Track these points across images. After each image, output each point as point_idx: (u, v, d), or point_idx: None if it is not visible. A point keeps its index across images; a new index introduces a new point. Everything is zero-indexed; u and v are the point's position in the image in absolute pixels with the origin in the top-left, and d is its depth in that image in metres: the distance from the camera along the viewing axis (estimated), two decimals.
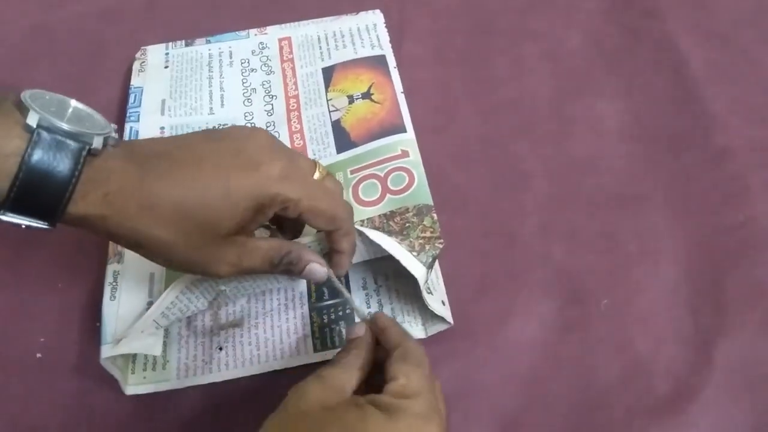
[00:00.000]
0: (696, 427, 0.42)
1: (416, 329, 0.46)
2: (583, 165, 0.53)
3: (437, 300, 0.45)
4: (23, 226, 0.32)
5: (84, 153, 0.31)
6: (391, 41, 0.59)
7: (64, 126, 0.31)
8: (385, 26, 0.60)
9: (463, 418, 0.44)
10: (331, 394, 0.34)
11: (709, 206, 0.50)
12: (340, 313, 0.47)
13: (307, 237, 0.42)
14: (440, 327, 0.45)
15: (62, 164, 0.30)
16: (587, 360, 0.45)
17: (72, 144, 0.31)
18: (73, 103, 0.33)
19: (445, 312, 0.44)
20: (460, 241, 0.49)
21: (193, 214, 0.34)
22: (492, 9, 0.62)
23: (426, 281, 0.43)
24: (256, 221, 0.37)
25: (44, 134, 0.30)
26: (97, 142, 0.32)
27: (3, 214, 0.31)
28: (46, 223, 0.32)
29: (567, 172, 0.53)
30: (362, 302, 0.47)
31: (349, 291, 0.47)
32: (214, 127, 0.54)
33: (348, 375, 0.36)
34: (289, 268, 0.38)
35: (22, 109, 0.31)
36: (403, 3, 0.63)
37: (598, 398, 0.44)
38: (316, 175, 0.40)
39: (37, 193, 0.30)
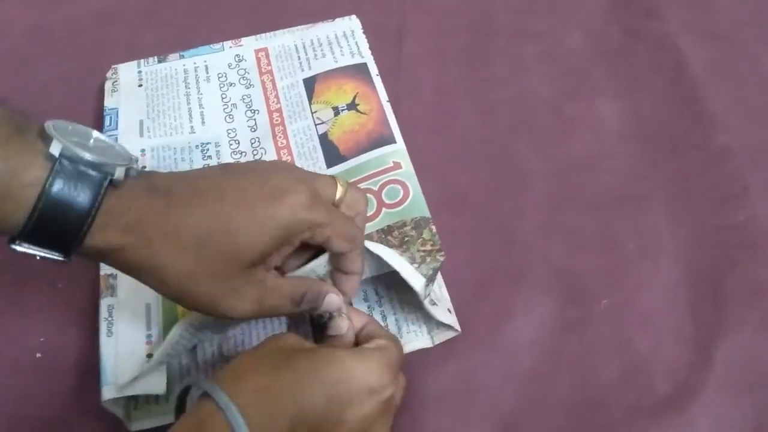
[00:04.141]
0: (696, 427, 0.42)
1: (422, 339, 0.45)
2: (583, 165, 0.53)
3: (443, 309, 0.44)
4: (38, 257, 0.31)
5: (105, 184, 0.31)
6: (389, 42, 0.59)
7: (87, 156, 0.30)
8: (363, 32, 0.58)
9: (463, 418, 0.44)
10: (304, 345, 0.36)
11: (709, 206, 0.50)
12: None
13: (317, 260, 0.41)
14: (448, 334, 0.45)
15: (82, 195, 0.30)
16: (587, 360, 0.45)
17: (94, 174, 0.31)
18: (95, 134, 0.33)
19: (452, 320, 0.44)
20: (460, 241, 0.49)
21: (215, 240, 0.34)
22: (492, 9, 0.62)
23: (426, 293, 0.42)
24: (281, 252, 0.37)
25: (66, 164, 0.30)
26: (119, 173, 0.31)
27: (18, 245, 0.31)
28: (62, 255, 0.32)
29: (567, 172, 0.53)
30: None
31: (351, 305, 0.46)
32: (197, 146, 0.52)
33: None
34: (311, 305, 0.38)
35: (45, 139, 0.30)
36: (403, 3, 0.62)
37: (598, 398, 0.44)
38: (339, 192, 0.39)
39: (54, 224, 0.30)
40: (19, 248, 0.31)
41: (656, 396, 0.44)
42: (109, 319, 0.44)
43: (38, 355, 0.47)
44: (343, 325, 0.39)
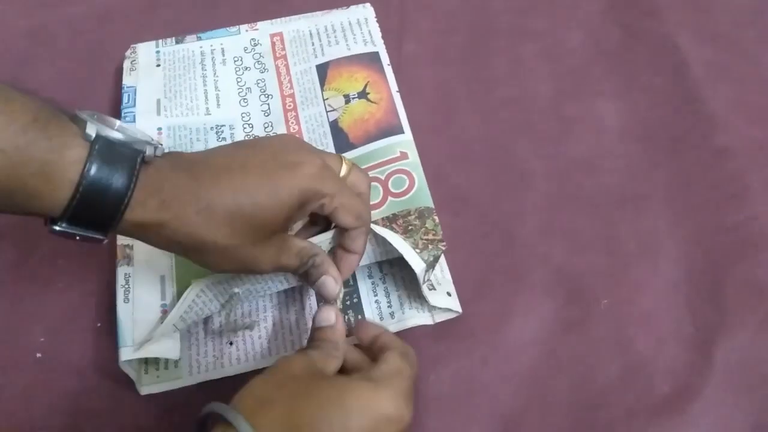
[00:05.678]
0: (696, 427, 0.42)
1: (423, 316, 0.45)
2: (583, 165, 0.53)
3: (441, 293, 0.45)
4: (77, 237, 0.33)
5: (139, 160, 0.33)
6: (390, 42, 0.59)
7: (119, 136, 0.33)
8: (376, 20, 0.59)
9: (463, 418, 0.44)
10: (317, 370, 0.36)
11: (709, 206, 0.50)
12: (348, 303, 0.47)
13: (323, 235, 0.43)
14: (448, 315, 0.45)
15: (120, 171, 0.32)
16: (587, 360, 0.45)
17: (127, 152, 0.33)
18: (117, 122, 0.35)
19: (451, 302, 0.45)
20: (460, 241, 0.49)
21: (246, 214, 0.36)
22: (492, 9, 0.62)
23: (425, 278, 0.43)
24: (296, 218, 0.40)
25: (102, 143, 0.32)
26: (149, 151, 0.33)
27: (59, 225, 0.32)
28: (101, 233, 0.33)
29: (567, 172, 0.53)
30: (369, 291, 0.47)
31: (356, 280, 0.48)
32: (212, 127, 0.54)
33: (331, 364, 0.38)
34: (310, 271, 0.40)
35: (79, 123, 0.32)
36: (403, 3, 0.62)
37: (598, 398, 0.44)
38: (343, 170, 0.42)
39: (96, 200, 0.31)
40: (58, 228, 0.32)
41: (656, 396, 0.44)
42: (126, 286, 0.46)
43: (38, 355, 0.47)
44: (331, 316, 0.40)
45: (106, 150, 0.32)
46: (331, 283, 0.41)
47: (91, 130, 0.32)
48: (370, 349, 0.39)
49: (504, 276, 0.48)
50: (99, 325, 0.47)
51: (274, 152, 0.39)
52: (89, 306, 0.48)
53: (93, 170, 0.31)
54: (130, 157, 0.33)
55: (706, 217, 0.50)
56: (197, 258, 0.37)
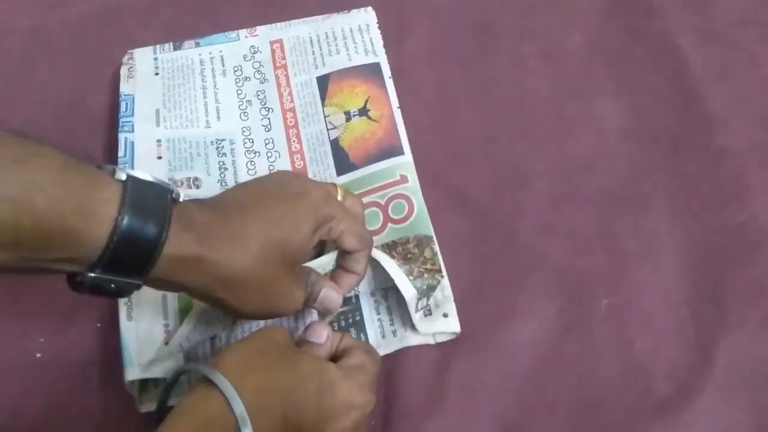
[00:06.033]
0: (696, 428, 0.42)
1: (426, 337, 0.46)
2: (583, 165, 0.53)
3: (437, 317, 0.45)
4: (112, 285, 0.33)
5: (170, 196, 0.34)
6: (389, 42, 0.58)
7: (148, 177, 0.34)
8: (378, 26, 0.58)
9: (463, 418, 0.44)
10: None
11: (709, 206, 0.50)
12: (351, 320, 0.47)
13: (322, 258, 0.43)
14: (448, 336, 0.46)
15: (154, 205, 0.33)
16: (587, 360, 0.45)
17: (158, 190, 0.34)
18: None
19: (446, 324, 0.45)
20: (460, 241, 0.49)
21: (276, 243, 0.37)
22: (492, 9, 0.62)
23: (419, 306, 0.44)
24: (311, 245, 0.40)
25: (134, 182, 0.33)
26: (176, 189, 0.35)
27: (94, 271, 0.32)
28: (138, 276, 0.33)
29: (567, 172, 0.53)
30: (372, 309, 0.47)
31: (358, 299, 0.47)
32: (212, 141, 0.53)
33: None
34: (312, 290, 0.41)
35: (106, 169, 0.33)
36: (403, 3, 0.62)
37: (598, 398, 0.44)
38: (339, 195, 0.43)
39: (136, 234, 0.32)
40: (93, 275, 0.32)
41: (656, 396, 0.44)
42: (129, 304, 0.45)
43: (38, 355, 0.47)
44: (323, 334, 0.40)
45: (139, 187, 0.33)
46: (333, 294, 0.41)
47: (121, 173, 0.33)
48: (335, 355, 0.40)
49: (504, 276, 0.48)
50: (99, 325, 0.47)
51: (280, 185, 0.40)
52: (89, 306, 0.48)
53: (130, 205, 0.32)
54: (161, 193, 0.34)
55: (706, 217, 0.50)
56: (235, 298, 0.36)
